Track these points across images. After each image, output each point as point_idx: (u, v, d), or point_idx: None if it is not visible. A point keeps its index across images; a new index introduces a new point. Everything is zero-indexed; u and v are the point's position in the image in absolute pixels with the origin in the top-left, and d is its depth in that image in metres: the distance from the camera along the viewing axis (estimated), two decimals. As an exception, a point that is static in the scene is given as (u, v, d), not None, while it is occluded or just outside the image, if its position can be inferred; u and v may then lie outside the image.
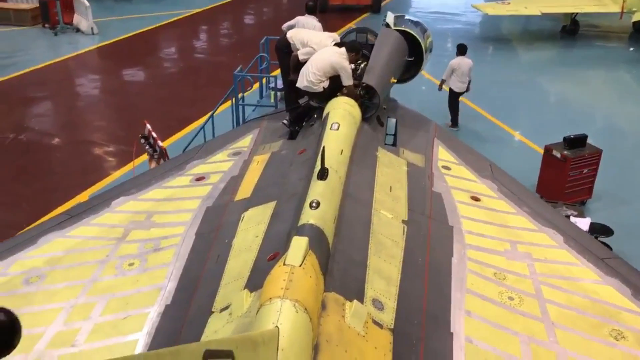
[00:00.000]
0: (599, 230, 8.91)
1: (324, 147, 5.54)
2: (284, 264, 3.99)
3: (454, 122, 14.62)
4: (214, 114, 11.85)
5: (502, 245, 5.90)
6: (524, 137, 14.52)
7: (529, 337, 4.69)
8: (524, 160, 12.58)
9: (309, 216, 4.77)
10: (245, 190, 6.52)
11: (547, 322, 4.87)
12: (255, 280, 4.57)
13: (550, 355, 4.54)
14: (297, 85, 7.75)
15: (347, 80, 7.52)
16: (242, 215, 5.93)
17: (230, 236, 5.65)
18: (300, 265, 3.99)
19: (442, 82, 14.54)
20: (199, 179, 7.18)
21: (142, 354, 1.43)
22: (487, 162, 7.75)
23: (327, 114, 6.97)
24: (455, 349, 4.49)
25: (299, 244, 4.16)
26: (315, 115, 7.83)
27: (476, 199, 6.69)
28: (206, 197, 6.63)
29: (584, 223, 8.48)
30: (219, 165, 7.47)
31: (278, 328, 3.42)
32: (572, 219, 8.35)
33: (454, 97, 14.44)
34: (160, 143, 9.79)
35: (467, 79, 14.24)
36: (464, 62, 14.07)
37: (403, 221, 5.79)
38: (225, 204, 6.39)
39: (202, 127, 11.23)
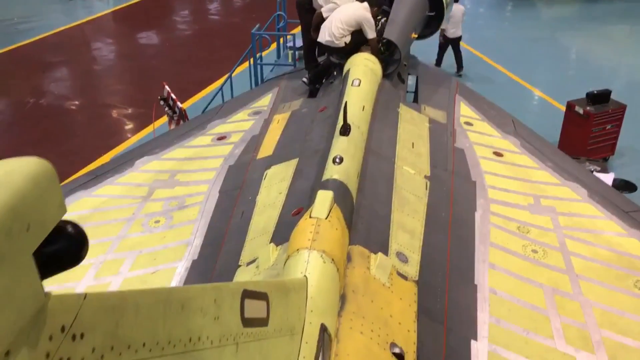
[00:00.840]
0: (622, 186, 8.81)
1: (346, 102, 5.51)
2: (310, 217, 4.02)
3: (459, 66, 14.93)
4: (232, 75, 11.81)
5: (525, 199, 5.88)
6: (545, 94, 14.29)
7: (553, 288, 4.71)
8: (545, 117, 12.41)
9: (332, 171, 4.79)
10: (266, 148, 6.54)
11: (571, 274, 4.88)
12: (281, 235, 4.63)
13: (575, 306, 4.56)
14: (319, 39, 7.66)
15: (372, 33, 7.41)
16: (265, 173, 5.97)
17: (254, 193, 5.70)
18: (326, 218, 4.02)
19: (442, 31, 14.48)
20: (220, 138, 7.21)
21: (187, 286, 1.47)
22: (510, 118, 7.67)
23: (348, 71, 6.91)
24: (479, 300, 4.53)
25: (324, 197, 4.18)
26: (335, 73, 7.77)
27: (499, 155, 6.65)
28: (228, 156, 6.67)
29: (607, 178, 8.38)
30: (239, 124, 7.49)
31: (306, 277, 3.48)
32: (595, 174, 8.26)
33: (452, 43, 14.64)
34: (179, 104, 9.80)
35: (460, 25, 14.60)
36: (457, 9, 14.05)
37: (426, 177, 5.78)
38: (248, 162, 6.43)
39: (221, 89, 11.22)
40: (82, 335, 1.03)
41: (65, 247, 1.01)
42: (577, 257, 5.08)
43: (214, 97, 11.05)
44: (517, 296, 4.61)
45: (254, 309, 2.07)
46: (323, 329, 3.30)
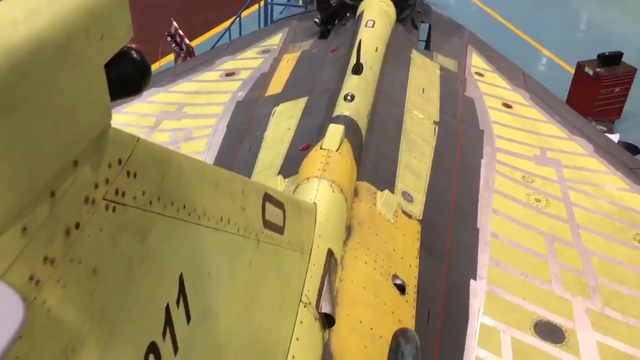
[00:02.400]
0: (626, 148, 8.82)
1: (360, 41, 5.45)
2: (321, 148, 4.05)
3: None
4: (241, 16, 11.61)
5: (531, 150, 5.90)
6: (554, 55, 14.14)
7: (554, 236, 4.78)
8: (553, 79, 12.29)
9: (343, 108, 4.78)
10: (276, 86, 6.50)
11: (572, 224, 4.95)
12: (289, 168, 4.66)
13: (574, 254, 4.65)
14: (334, -22, 7.52)
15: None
16: (274, 110, 5.95)
17: (262, 129, 5.70)
18: (336, 150, 4.05)
19: None
20: (229, 74, 7.16)
21: (220, 168, 1.50)
22: (520, 72, 7.62)
23: (362, 12, 6.81)
24: (480, 242, 4.61)
25: (335, 130, 4.20)
26: (348, 14, 7.65)
27: (508, 106, 6.64)
28: (236, 92, 6.64)
29: (612, 139, 8.40)
30: (248, 62, 7.42)
31: (316, 204, 3.53)
32: (601, 134, 8.26)
33: None
34: (187, 41, 9.68)
35: None
36: None
37: (434, 122, 5.78)
38: (256, 98, 6.40)
39: (228, 28, 11.06)
40: (135, 175, 1.05)
41: (129, 71, 1.02)
42: (579, 208, 5.14)
43: (222, 36, 10.91)
44: (518, 241, 4.69)
45: (273, 214, 2.11)
46: (330, 253, 3.37)
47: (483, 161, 5.55)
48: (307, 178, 3.78)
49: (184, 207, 1.23)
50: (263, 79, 6.81)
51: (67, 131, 0.86)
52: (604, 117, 10.57)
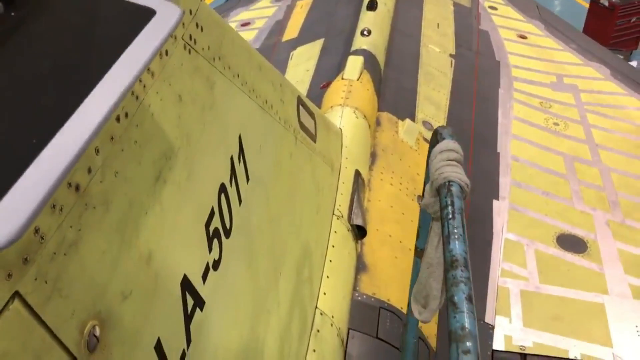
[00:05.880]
0: (644, 77, 8.78)
1: (373, -23, 5.50)
2: (342, 78, 4.17)
3: None
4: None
5: (548, 78, 5.96)
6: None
7: (573, 156, 4.89)
8: (568, 13, 12.14)
9: (361, 42, 4.88)
10: (291, 31, 6.58)
11: (591, 144, 5.05)
12: (311, 104, 4.80)
13: (594, 172, 4.76)
14: None
15: None
16: (291, 54, 6.05)
17: (281, 72, 5.82)
18: (357, 79, 4.17)
19: None
20: (244, 24, 7.24)
21: (261, 56, 1.63)
22: (534, 4, 7.59)
23: (372, -48, 6.81)
24: (501, 165, 4.74)
25: (355, 60, 4.32)
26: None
27: (523, 37, 6.66)
28: (253, 40, 6.73)
29: (629, 67, 8.35)
30: (262, 11, 7.49)
31: (341, 129, 3.67)
32: (618, 63, 8.22)
33: None
34: (198, -2, 9.71)
35: None
36: None
37: (451, 55, 5.86)
38: (273, 45, 6.49)
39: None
40: (202, 28, 1.20)
41: None
42: (598, 129, 5.22)
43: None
44: (538, 163, 4.80)
45: (306, 119, 2.26)
46: (357, 173, 3.53)
47: (501, 90, 5.63)
48: (331, 107, 3.92)
49: (238, 75, 1.38)
50: (278, 26, 6.88)
51: None
52: (621, 47, 10.47)
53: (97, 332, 0.91)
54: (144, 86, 0.93)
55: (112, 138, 0.90)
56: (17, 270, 0.75)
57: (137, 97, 0.90)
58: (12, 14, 0.74)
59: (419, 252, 2.04)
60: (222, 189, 1.27)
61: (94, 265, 0.92)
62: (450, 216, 1.62)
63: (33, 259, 0.77)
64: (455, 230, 1.56)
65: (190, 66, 1.14)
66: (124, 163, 0.95)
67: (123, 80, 0.73)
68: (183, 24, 1.11)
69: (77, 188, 0.83)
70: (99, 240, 0.92)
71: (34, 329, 0.79)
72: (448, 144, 1.84)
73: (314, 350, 2.26)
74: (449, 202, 1.67)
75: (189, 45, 1.13)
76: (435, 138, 1.97)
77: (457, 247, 1.49)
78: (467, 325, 1.21)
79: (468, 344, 1.17)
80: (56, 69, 0.75)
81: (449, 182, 1.74)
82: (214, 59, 1.24)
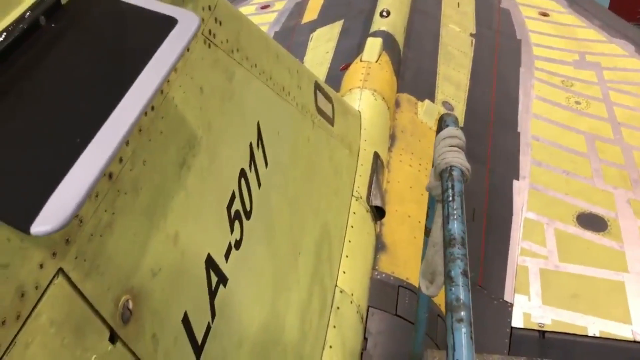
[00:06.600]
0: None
1: (392, -42, 5.49)
2: (361, 61, 4.22)
3: None
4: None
5: (570, 56, 5.91)
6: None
7: (594, 135, 4.87)
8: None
9: (380, 24, 4.90)
10: (311, 13, 6.62)
11: (613, 122, 5.02)
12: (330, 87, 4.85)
13: (615, 150, 4.74)
14: None
15: None
16: (311, 36, 6.09)
17: (301, 55, 5.86)
18: (376, 62, 4.21)
19: None
20: (264, 7, 7.29)
21: (280, 45, 1.71)
22: (558, -20, 7.47)
23: None
24: (522, 145, 4.75)
25: (373, 42, 4.35)
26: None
27: (545, 15, 6.60)
28: (273, 23, 6.79)
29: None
30: (282, -7, 7.52)
31: (359, 112, 3.73)
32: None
33: None
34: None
35: None
36: None
37: (471, 34, 5.84)
38: (293, 27, 6.54)
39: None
40: (220, 23, 1.28)
41: None
42: (620, 107, 5.18)
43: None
44: (559, 142, 4.80)
45: (323, 103, 2.33)
46: (376, 155, 3.59)
47: (521, 69, 5.61)
48: (350, 89, 3.97)
49: (256, 65, 1.46)
50: (298, 8, 6.91)
51: None
52: (648, 23, 10.24)
53: (130, 305, 1.02)
54: (168, 81, 1.02)
55: (140, 130, 1.00)
56: (61, 250, 0.86)
57: (162, 92, 0.99)
58: (53, 25, 0.83)
59: (428, 232, 2.12)
60: (242, 173, 1.36)
61: (126, 245, 1.02)
62: (451, 199, 1.71)
63: (74, 239, 0.88)
64: (455, 212, 1.65)
65: (210, 59, 1.22)
66: (151, 152, 1.05)
67: (152, 83, 0.82)
68: (203, 19, 1.19)
69: (111, 176, 0.94)
70: (131, 222, 1.02)
71: (76, 301, 0.90)
72: (451, 130, 1.93)
73: (334, 326, 2.35)
74: (449, 186, 1.77)
75: (209, 39, 1.22)
76: (441, 125, 2.06)
77: (456, 226, 1.58)
78: (461, 297, 1.33)
79: (462, 313, 1.29)
80: (93, 75, 0.84)
81: (450, 167, 1.83)
82: (232, 51, 1.32)
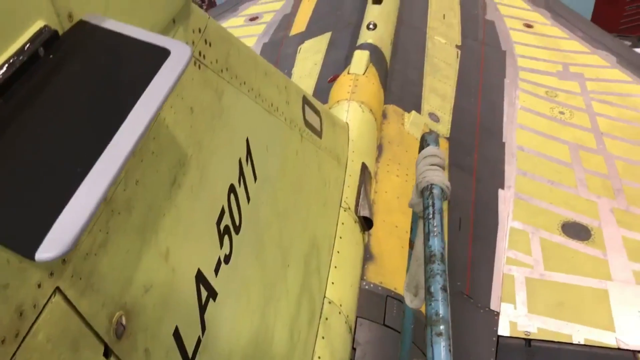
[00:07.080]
0: (653, 62, 8.76)
1: (378, -29, 5.58)
2: (348, 73, 4.28)
3: None
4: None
5: (554, 67, 6.02)
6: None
7: (578, 145, 4.96)
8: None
9: (367, 36, 4.97)
10: (299, 25, 6.68)
11: (596, 132, 5.11)
12: (319, 100, 4.90)
13: (599, 160, 4.83)
14: None
15: None
16: (299, 48, 6.15)
17: (289, 66, 5.92)
18: (363, 74, 4.27)
19: None
20: (253, 19, 7.35)
21: (265, 60, 1.75)
22: (541, -8, 7.61)
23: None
24: (507, 155, 4.82)
25: (361, 55, 4.42)
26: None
27: (529, 26, 6.71)
28: (262, 35, 6.84)
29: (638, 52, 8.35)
30: (270, 5, 7.58)
31: (347, 124, 3.78)
32: (626, 49, 8.22)
33: None
34: (208, -8, 9.84)
35: None
36: None
37: (457, 46, 5.93)
38: (281, 39, 6.60)
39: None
40: (210, 44, 1.32)
41: None
42: (603, 117, 5.29)
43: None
44: (544, 152, 4.89)
45: (311, 117, 2.38)
46: (364, 166, 3.64)
47: (506, 80, 5.70)
48: (337, 101, 4.03)
49: (245, 83, 1.50)
50: (286, 20, 6.98)
51: None
52: (630, 33, 10.44)
53: (124, 321, 1.05)
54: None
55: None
56: (58, 269, 0.90)
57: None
58: (51, 56, 0.87)
59: (412, 245, 2.17)
60: (232, 189, 1.40)
61: (119, 263, 1.06)
62: (431, 216, 1.78)
63: (70, 259, 0.92)
64: (435, 229, 1.71)
65: (200, 79, 1.26)
66: (143, 172, 1.08)
67: (146, 114, 0.86)
68: (193, 41, 1.24)
69: (105, 198, 0.97)
70: (124, 241, 1.06)
71: (72, 318, 0.93)
72: (431, 149, 2.00)
73: (323, 337, 2.39)
74: (430, 203, 1.83)
75: (199, 60, 1.26)
76: (422, 144, 2.13)
77: (435, 243, 1.64)
78: (440, 311, 1.38)
79: (441, 327, 1.35)
80: (91, 106, 0.89)
81: (431, 185, 1.89)
82: (221, 71, 1.37)
